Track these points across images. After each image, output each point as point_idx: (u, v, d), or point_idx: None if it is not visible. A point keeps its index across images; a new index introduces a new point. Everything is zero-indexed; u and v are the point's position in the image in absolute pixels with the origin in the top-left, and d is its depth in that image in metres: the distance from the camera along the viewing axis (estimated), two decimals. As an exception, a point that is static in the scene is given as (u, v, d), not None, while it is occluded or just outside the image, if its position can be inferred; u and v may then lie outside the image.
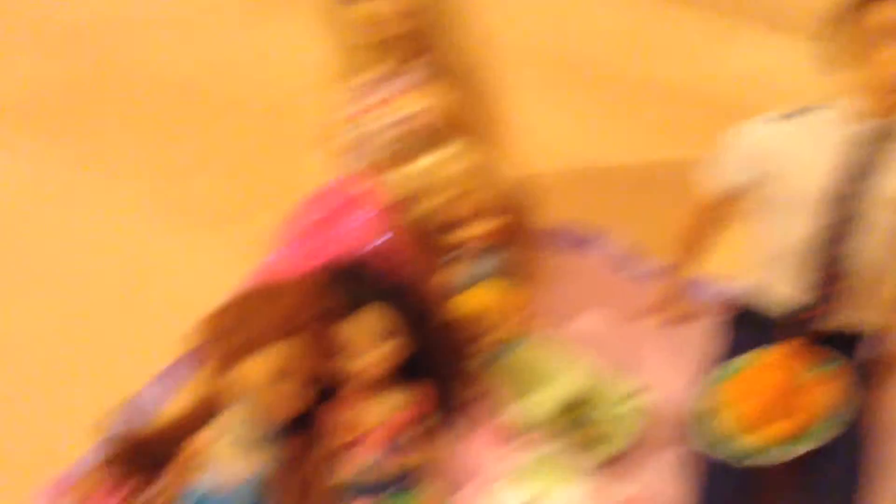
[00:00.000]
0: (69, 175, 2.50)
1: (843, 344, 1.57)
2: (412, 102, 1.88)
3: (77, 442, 1.63)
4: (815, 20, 1.42)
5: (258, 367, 1.43)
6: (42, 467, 1.59)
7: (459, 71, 1.89)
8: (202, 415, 1.49)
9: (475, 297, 1.78)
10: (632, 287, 2.05)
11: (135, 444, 1.50)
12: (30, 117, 2.80)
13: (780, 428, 1.43)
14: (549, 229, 2.11)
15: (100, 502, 1.48)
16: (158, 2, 3.67)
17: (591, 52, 3.19)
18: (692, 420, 1.54)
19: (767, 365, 1.51)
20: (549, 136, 2.39)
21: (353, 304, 1.52)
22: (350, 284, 1.55)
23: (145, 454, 1.51)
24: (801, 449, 1.43)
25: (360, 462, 1.51)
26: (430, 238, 1.82)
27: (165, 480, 1.48)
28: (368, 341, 1.52)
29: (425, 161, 1.82)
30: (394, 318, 1.54)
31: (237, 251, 1.97)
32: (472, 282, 1.81)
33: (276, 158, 2.60)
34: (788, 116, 1.55)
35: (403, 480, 1.53)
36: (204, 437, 1.46)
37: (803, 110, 1.54)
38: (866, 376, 1.57)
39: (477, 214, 1.80)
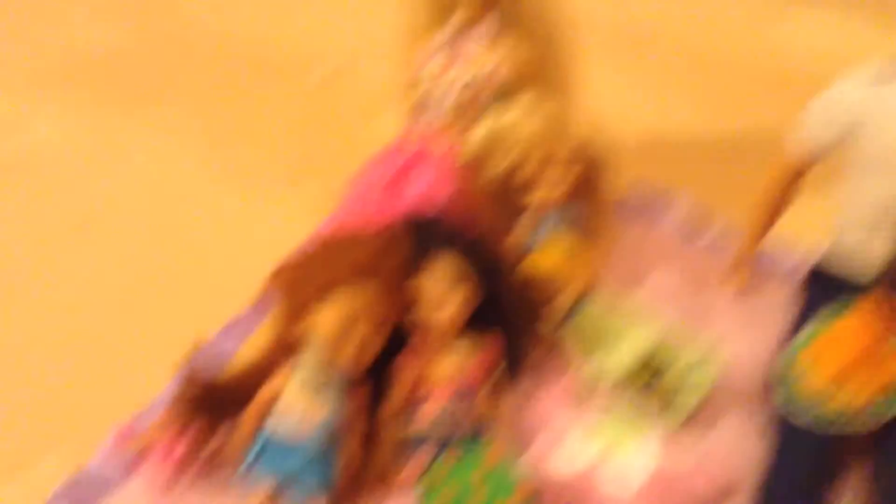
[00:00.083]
0: (135, 139, 2.54)
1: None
2: (484, 59, 1.86)
3: (149, 387, 1.65)
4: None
5: (332, 313, 1.43)
6: (115, 410, 1.61)
7: (530, 22, 1.86)
8: (275, 361, 1.50)
9: (547, 255, 1.76)
10: (703, 255, 2.00)
11: (208, 389, 1.52)
12: (94, 82, 2.85)
13: (865, 391, 1.40)
14: (619, 195, 2.08)
15: (168, 447, 1.50)
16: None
17: (655, 26, 3.14)
18: (775, 384, 1.51)
19: (851, 328, 1.47)
20: (617, 103, 2.36)
21: (428, 256, 1.52)
22: (425, 236, 1.55)
23: (217, 399, 1.53)
24: (886, 416, 1.40)
25: (430, 413, 1.51)
26: (503, 195, 1.81)
27: (237, 425, 1.49)
28: (442, 292, 1.51)
29: (498, 117, 1.81)
30: (467, 271, 1.53)
31: (307, 209, 1.99)
32: (545, 238, 1.79)
33: (340, 120, 2.61)
34: (876, 75, 1.52)
35: (473, 431, 1.52)
36: (276, 383, 1.47)
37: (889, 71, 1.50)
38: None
39: (550, 168, 1.78)
